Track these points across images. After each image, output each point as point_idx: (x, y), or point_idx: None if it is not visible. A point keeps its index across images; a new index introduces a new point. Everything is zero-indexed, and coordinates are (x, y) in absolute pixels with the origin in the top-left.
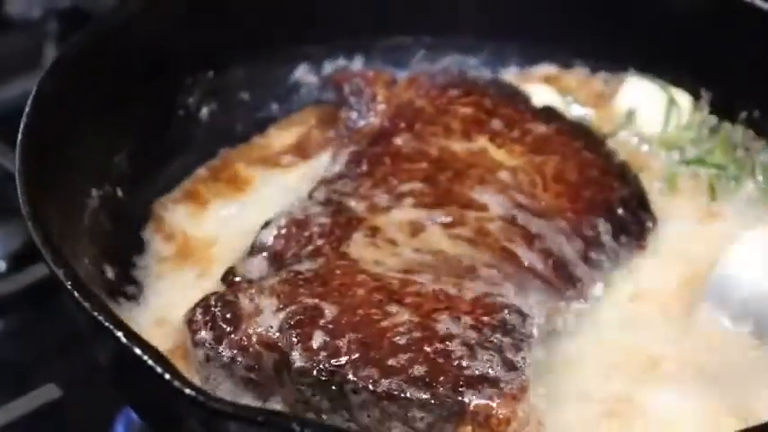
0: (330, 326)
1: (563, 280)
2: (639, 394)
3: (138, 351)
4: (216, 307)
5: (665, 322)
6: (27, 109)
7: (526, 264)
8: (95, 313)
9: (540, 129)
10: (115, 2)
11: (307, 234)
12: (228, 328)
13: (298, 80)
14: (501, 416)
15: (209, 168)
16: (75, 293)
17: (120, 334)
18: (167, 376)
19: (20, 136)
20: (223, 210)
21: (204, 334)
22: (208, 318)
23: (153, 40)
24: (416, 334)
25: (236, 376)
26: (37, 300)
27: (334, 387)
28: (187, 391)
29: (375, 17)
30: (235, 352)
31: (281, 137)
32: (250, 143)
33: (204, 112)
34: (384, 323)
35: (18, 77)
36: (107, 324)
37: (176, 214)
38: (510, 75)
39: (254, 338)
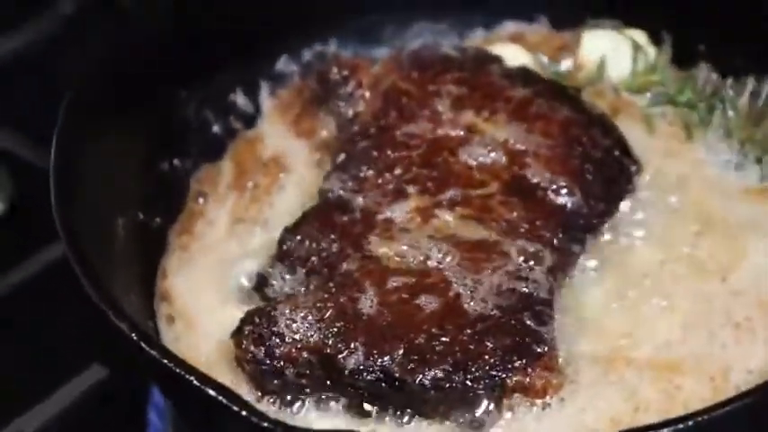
0: (370, 326)
1: (567, 239)
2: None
3: (211, 392)
4: (261, 323)
5: None
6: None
7: (533, 231)
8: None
9: (520, 93)
10: None
11: (327, 236)
12: (277, 342)
13: (281, 71)
14: (538, 387)
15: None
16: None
17: (192, 378)
18: (245, 413)
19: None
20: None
21: (255, 350)
22: (255, 335)
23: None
24: (449, 322)
25: (288, 385)
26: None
27: (383, 385)
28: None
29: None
30: (286, 363)
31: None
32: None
33: (201, 120)
34: (418, 316)
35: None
36: (173, 368)
37: None
38: (477, 37)
39: (302, 348)
